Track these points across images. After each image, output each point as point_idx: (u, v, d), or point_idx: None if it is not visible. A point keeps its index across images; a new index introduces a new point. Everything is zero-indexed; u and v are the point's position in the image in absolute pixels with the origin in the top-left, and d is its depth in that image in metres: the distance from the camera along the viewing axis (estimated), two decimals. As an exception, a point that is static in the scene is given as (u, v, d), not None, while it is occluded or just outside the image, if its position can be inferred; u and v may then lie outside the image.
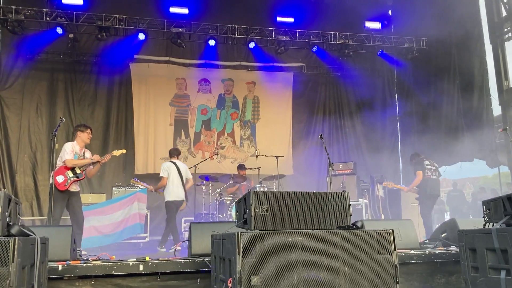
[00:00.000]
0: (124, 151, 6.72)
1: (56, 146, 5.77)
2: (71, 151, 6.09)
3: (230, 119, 11.98)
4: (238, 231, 2.79)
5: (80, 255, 4.54)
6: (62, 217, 6.22)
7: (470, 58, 10.13)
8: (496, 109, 9.97)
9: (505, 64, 9.90)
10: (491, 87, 9.92)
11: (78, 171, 6.04)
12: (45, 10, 9.25)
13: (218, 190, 8.85)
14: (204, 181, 8.91)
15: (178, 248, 5.52)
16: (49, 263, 3.65)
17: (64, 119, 6.30)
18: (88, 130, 6.34)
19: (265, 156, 9.63)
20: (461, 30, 10.19)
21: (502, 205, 3.57)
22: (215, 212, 8.57)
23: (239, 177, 9.27)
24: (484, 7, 10.36)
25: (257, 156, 9.62)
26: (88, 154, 6.35)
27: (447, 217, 12.66)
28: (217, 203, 8.69)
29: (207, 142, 11.70)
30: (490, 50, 10.13)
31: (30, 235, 2.78)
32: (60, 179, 5.89)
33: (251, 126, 12.08)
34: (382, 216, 9.23)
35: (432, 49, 10.91)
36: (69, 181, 5.94)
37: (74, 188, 6.10)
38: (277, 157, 9.17)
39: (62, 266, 3.78)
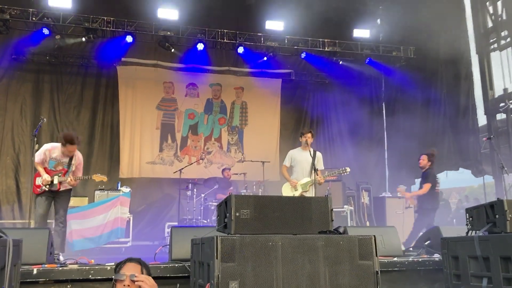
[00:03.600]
0: (104, 179, 6.27)
1: (36, 147, 5.63)
2: (43, 153, 5.79)
3: (217, 124, 11.92)
4: (217, 235, 2.73)
5: (57, 259, 4.43)
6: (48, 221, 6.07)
7: (457, 68, 10.24)
8: (482, 119, 10.09)
9: (490, 75, 10.02)
10: (476, 97, 10.04)
11: (55, 181, 5.74)
12: (31, 10, 9.13)
13: (202, 195, 8.77)
14: (189, 186, 8.84)
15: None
16: (24, 267, 3.55)
17: (45, 119, 6.11)
18: (68, 146, 5.73)
19: (252, 161, 9.59)
20: (448, 40, 10.31)
21: (485, 213, 3.56)
22: (199, 217, 8.49)
23: (224, 181, 9.21)
24: (470, 18, 10.50)
25: (243, 161, 9.57)
26: (75, 161, 5.94)
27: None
28: (202, 208, 8.61)
29: (194, 146, 11.62)
30: (476, 61, 10.25)
31: (1, 236, 2.69)
32: (39, 181, 5.72)
33: (239, 132, 12.03)
34: (367, 223, 9.22)
35: (419, 58, 11.02)
36: (43, 187, 5.70)
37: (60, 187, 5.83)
38: (263, 162, 9.13)
39: (37, 269, 3.67)
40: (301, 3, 10.85)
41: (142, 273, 2.83)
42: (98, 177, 6.18)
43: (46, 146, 5.88)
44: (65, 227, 5.92)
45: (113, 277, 2.88)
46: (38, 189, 5.73)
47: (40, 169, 5.79)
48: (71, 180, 5.79)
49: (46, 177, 5.72)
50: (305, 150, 6.86)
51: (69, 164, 5.89)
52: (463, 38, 10.26)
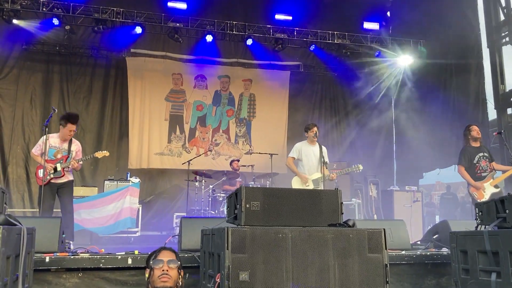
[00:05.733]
0: (107, 153, 6.42)
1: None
2: (42, 143, 5.84)
3: (225, 116, 11.94)
4: (228, 226, 2.76)
5: (68, 248, 4.49)
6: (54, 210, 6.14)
7: (467, 61, 10.14)
8: (492, 113, 10.00)
9: (501, 69, 9.91)
10: (487, 91, 9.95)
11: (58, 168, 5.81)
12: (41, 0, 9.15)
13: (211, 186, 8.81)
14: (197, 177, 8.87)
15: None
16: (36, 255, 3.60)
17: (56, 110, 6.15)
18: (69, 125, 5.86)
19: (259, 153, 9.60)
20: (458, 33, 10.20)
21: (495, 207, 3.55)
22: (207, 208, 8.53)
23: (232, 173, 9.23)
24: (482, 11, 10.37)
25: (251, 154, 9.59)
26: (74, 147, 6.05)
27: (438, 220, 12.70)
28: (210, 199, 8.65)
29: (202, 138, 11.66)
30: (487, 54, 10.14)
31: (16, 224, 2.73)
32: (40, 173, 5.76)
33: (247, 124, 12.05)
34: (375, 217, 9.22)
35: (429, 52, 10.91)
36: (48, 177, 5.75)
37: (62, 179, 5.90)
38: (271, 154, 9.13)
39: (49, 257, 3.72)
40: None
41: (178, 261, 3.11)
42: (100, 154, 6.30)
43: (43, 137, 5.96)
44: (72, 216, 5.99)
45: (150, 263, 3.09)
46: (42, 180, 5.76)
47: (39, 159, 5.87)
48: (74, 163, 5.91)
49: (49, 166, 5.79)
50: (312, 145, 6.87)
51: (69, 150, 5.98)
52: (474, 31, 10.14)
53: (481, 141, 6.94)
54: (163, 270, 2.98)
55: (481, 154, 6.74)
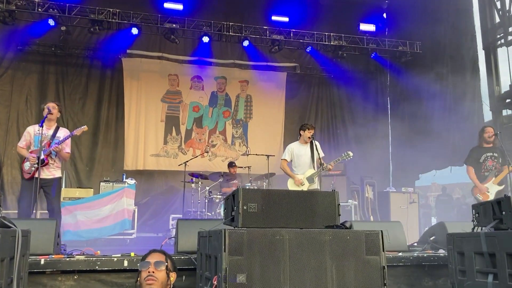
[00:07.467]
0: (85, 128, 6.06)
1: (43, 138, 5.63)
2: (26, 134, 5.69)
3: (222, 117, 11.93)
4: (225, 228, 2.74)
5: (64, 250, 4.45)
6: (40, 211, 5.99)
7: (463, 63, 10.17)
8: (487, 115, 10.03)
9: (497, 70, 9.94)
10: (482, 92, 9.98)
11: (41, 156, 5.45)
12: (37, 1, 9.11)
13: (207, 188, 8.79)
14: (193, 179, 8.85)
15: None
16: (31, 257, 3.57)
17: (51, 111, 6.10)
18: (46, 108, 5.66)
19: (256, 155, 9.59)
20: (454, 35, 10.24)
21: (492, 209, 3.55)
22: (204, 210, 8.51)
23: (229, 175, 9.22)
24: (477, 13, 10.42)
25: (248, 155, 9.57)
26: (61, 133, 5.80)
27: (434, 221, 12.73)
28: (206, 201, 8.63)
29: (198, 139, 11.63)
30: (482, 56, 10.18)
31: (11, 227, 2.70)
32: (26, 166, 5.55)
33: (243, 125, 12.04)
34: (371, 218, 9.23)
35: (425, 53, 10.95)
36: (33, 168, 5.45)
37: (48, 174, 5.62)
38: (268, 156, 9.11)
39: (44, 260, 3.69)
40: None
41: (166, 262, 3.04)
42: (79, 131, 5.99)
43: (29, 128, 5.84)
44: (59, 215, 5.71)
45: (138, 266, 3.08)
46: (28, 172, 5.54)
47: (24, 152, 5.70)
48: (55, 147, 5.63)
49: (31, 156, 5.56)
50: (304, 144, 6.88)
51: (53, 136, 5.75)
52: (470, 33, 10.18)
53: (496, 143, 6.93)
54: (148, 272, 2.95)
55: (489, 154, 6.83)
